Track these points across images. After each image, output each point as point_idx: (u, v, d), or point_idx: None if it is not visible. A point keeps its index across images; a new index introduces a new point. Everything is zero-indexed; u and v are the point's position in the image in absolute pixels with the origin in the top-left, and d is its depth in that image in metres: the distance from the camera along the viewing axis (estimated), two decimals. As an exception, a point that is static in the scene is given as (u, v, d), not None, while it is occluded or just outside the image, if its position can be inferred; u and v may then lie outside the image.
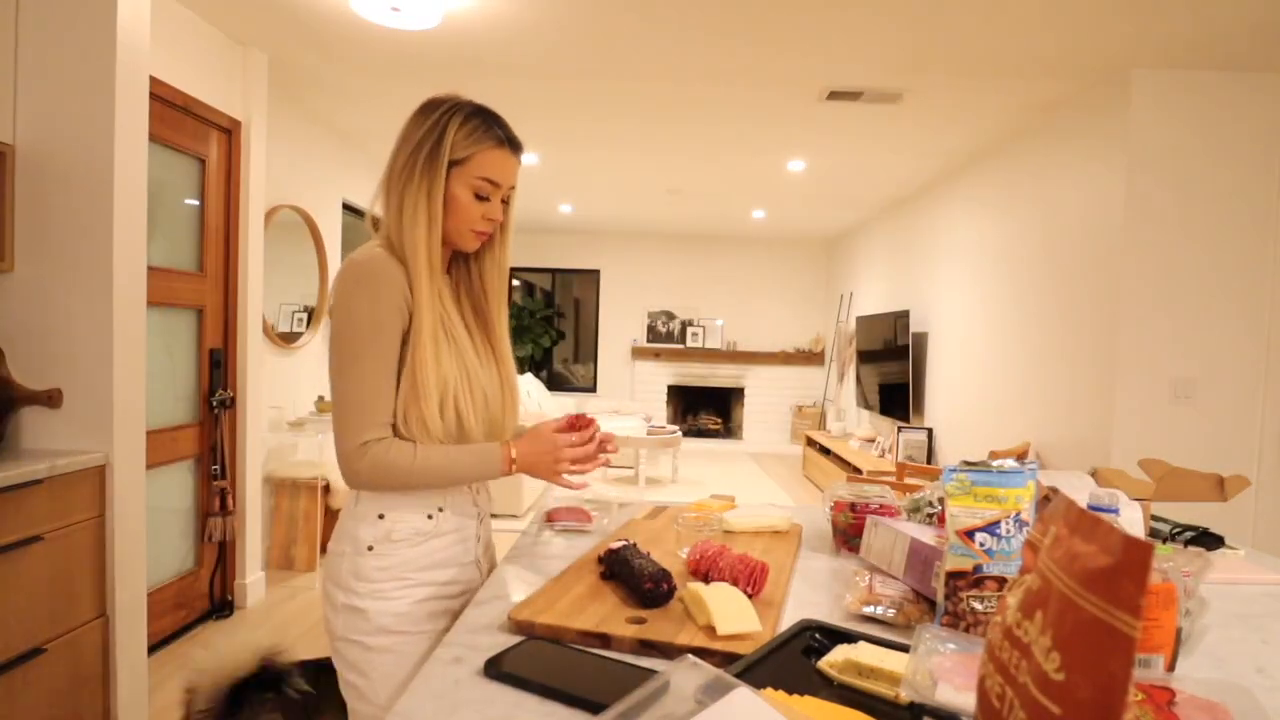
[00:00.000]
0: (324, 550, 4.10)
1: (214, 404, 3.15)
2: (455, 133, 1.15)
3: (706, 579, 1.07)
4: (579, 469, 1.21)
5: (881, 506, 1.34)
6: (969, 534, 0.89)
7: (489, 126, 1.18)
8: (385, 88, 3.72)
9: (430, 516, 1.19)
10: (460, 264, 1.30)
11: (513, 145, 1.21)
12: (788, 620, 0.98)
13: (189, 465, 3.10)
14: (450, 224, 1.19)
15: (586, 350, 9.01)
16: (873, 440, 6.16)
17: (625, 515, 1.57)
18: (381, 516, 1.16)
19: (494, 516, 1.29)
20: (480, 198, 1.18)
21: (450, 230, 1.20)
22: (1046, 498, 0.98)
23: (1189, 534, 1.43)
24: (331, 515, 4.04)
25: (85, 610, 2.01)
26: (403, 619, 1.15)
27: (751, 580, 1.04)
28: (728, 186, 5.80)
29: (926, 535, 1.10)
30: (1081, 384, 3.42)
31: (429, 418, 1.13)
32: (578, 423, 1.23)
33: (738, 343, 8.52)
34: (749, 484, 6.60)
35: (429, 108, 1.18)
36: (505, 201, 1.23)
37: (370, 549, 1.15)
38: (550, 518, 1.51)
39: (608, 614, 0.96)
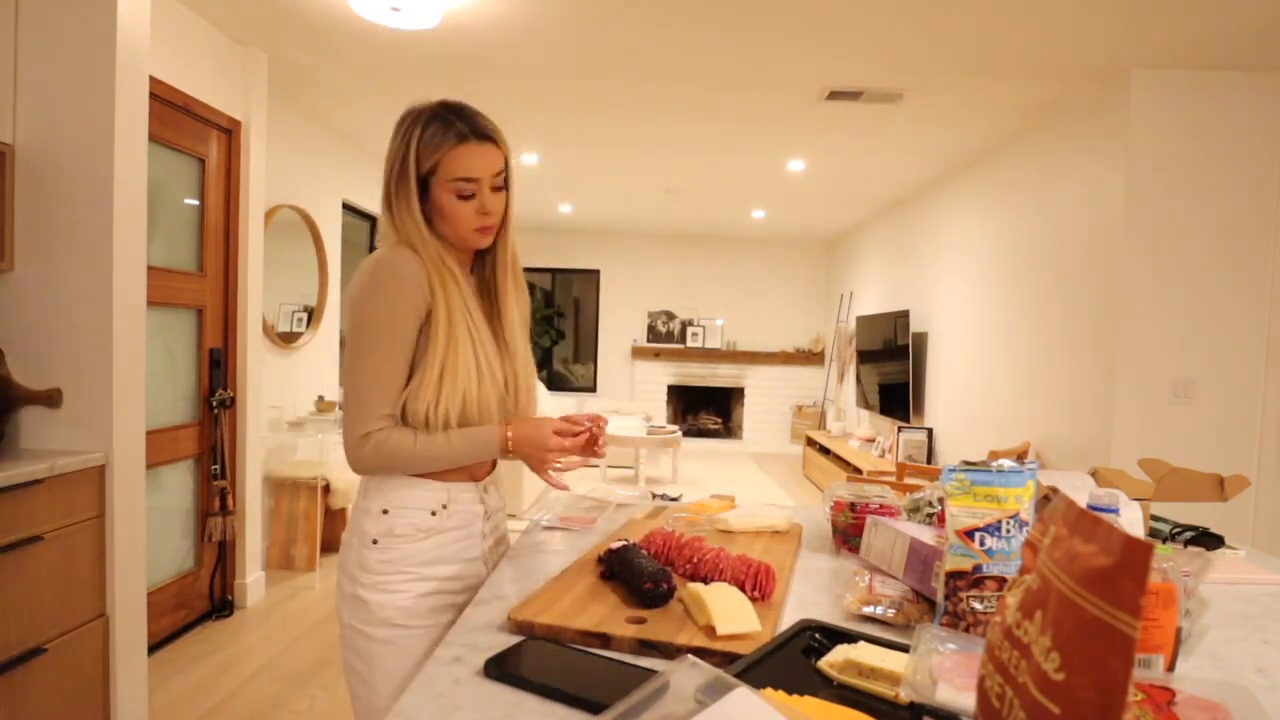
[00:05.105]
0: (324, 550, 4.11)
1: (214, 404, 3.15)
2: (417, 145, 1.16)
3: (705, 580, 1.07)
4: (565, 465, 1.27)
5: (881, 506, 1.34)
6: (969, 534, 0.89)
7: (448, 126, 1.16)
8: (385, 88, 3.72)
9: (434, 513, 1.21)
10: (478, 262, 1.32)
11: (478, 135, 1.17)
12: (788, 620, 0.98)
13: (189, 465, 3.10)
14: (448, 231, 1.21)
15: (586, 350, 9.00)
16: (873, 440, 6.16)
17: (625, 515, 1.57)
18: (385, 512, 1.19)
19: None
20: (464, 197, 1.18)
21: (451, 236, 1.21)
22: (1046, 498, 0.98)
23: (1189, 534, 1.43)
24: (331, 515, 4.04)
25: (85, 610, 2.01)
26: (405, 612, 1.17)
27: (756, 584, 1.03)
28: (727, 186, 5.79)
29: (926, 535, 1.10)
30: (1081, 384, 3.42)
31: (443, 411, 1.15)
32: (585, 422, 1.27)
33: (738, 343, 8.52)
34: (749, 484, 6.59)
35: (400, 122, 1.19)
36: (498, 189, 1.21)
37: (375, 542, 1.18)
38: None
39: (608, 614, 0.96)
